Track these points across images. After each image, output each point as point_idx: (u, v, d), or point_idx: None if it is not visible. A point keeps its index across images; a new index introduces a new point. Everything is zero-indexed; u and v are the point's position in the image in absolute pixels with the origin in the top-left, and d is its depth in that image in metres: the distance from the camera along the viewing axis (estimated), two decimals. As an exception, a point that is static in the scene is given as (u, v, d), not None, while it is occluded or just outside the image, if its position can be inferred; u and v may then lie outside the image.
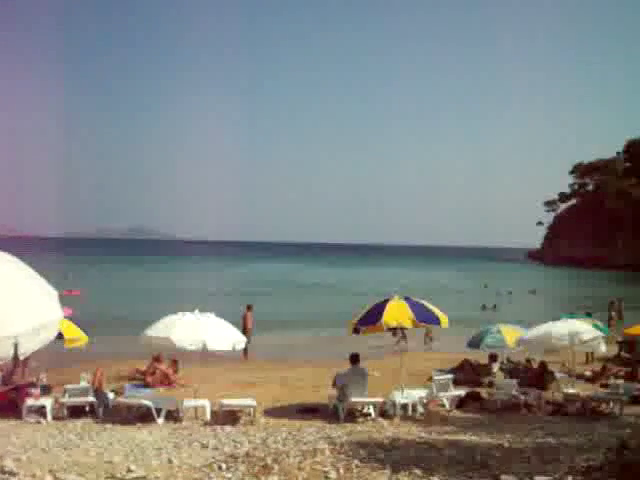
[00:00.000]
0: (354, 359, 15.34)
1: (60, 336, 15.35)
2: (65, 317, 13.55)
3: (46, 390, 15.81)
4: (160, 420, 13.79)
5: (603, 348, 23.54)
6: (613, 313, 35.22)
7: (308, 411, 15.26)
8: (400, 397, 15.03)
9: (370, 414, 14.75)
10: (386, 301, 15.20)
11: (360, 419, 14.46)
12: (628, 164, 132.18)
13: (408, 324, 14.91)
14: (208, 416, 14.27)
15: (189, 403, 14.58)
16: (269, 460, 9.69)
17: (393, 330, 26.11)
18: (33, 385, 15.86)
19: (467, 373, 20.02)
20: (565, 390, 17.06)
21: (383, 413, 14.82)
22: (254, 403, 14.40)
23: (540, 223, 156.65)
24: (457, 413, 15.56)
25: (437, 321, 15.24)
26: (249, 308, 25.51)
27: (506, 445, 11.17)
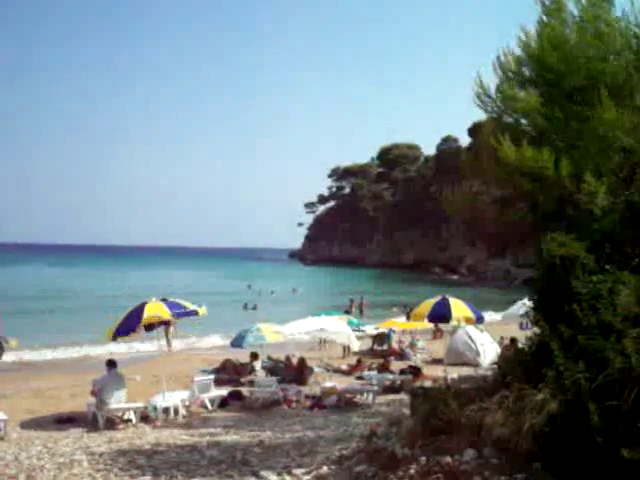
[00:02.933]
0: (111, 364, 15.07)
1: None
2: None
3: None
4: None
5: (357, 343, 25.18)
6: (353, 309, 37.81)
7: (65, 421, 14.66)
8: (161, 400, 14.95)
9: (131, 420, 14.53)
10: (144, 304, 15.14)
11: (121, 426, 14.18)
12: (381, 169, 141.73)
13: (167, 316, 15.08)
14: (-48, 435, 13.17)
15: None
16: (22, 477, 9.29)
17: (165, 332, 26.08)
18: None
19: (229, 373, 20.34)
20: (323, 384, 18.00)
21: (145, 418, 14.66)
22: (5, 417, 13.53)
23: (301, 224, 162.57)
24: (219, 413, 15.78)
25: (194, 313, 15.62)
26: None
27: (266, 441, 11.58)
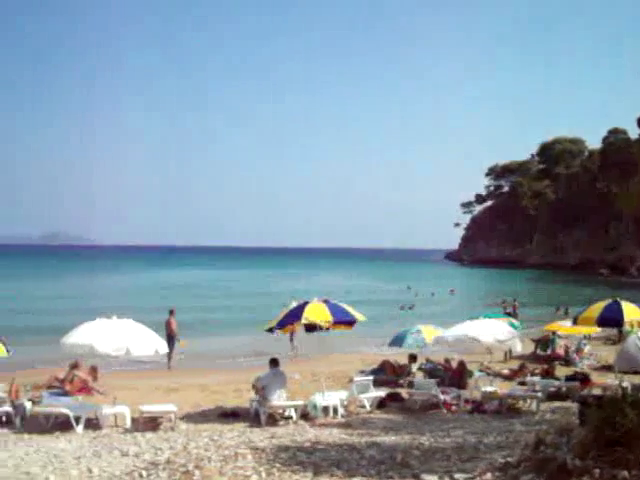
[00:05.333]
0: (274, 363, 15.44)
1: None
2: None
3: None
4: (79, 428, 13.48)
5: (519, 347, 24.33)
6: (507, 311, 36.32)
7: (229, 415, 15.18)
8: (321, 399, 15.11)
9: (291, 417, 14.81)
10: (306, 303, 15.48)
11: (281, 422, 14.48)
12: (542, 166, 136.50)
13: (325, 325, 15.24)
14: (128, 423, 14.04)
15: (108, 410, 14.31)
16: (190, 466, 9.63)
17: (290, 338, 26.23)
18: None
19: (387, 374, 20.27)
20: (483, 388, 17.48)
21: (304, 415, 14.90)
22: (174, 408, 14.25)
23: (457, 224, 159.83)
24: (377, 414, 15.72)
25: (353, 319, 15.70)
26: (171, 313, 25.20)
27: (426, 444, 11.36)
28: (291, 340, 26.59)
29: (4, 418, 14.33)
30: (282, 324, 15.72)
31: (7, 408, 14.28)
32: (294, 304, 18.89)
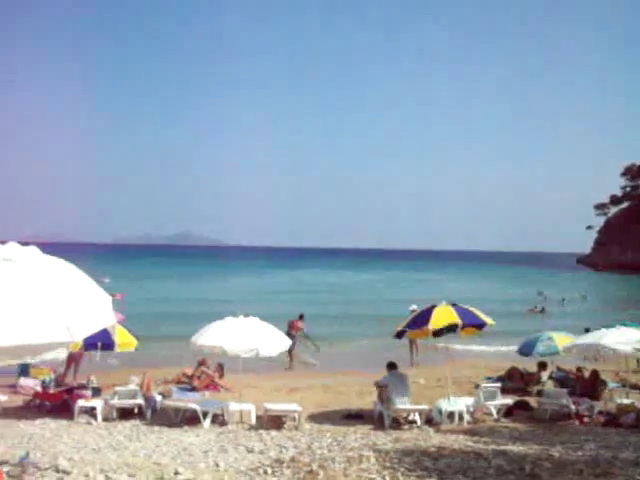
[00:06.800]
0: (391, 366, 15.33)
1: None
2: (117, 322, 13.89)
3: (96, 392, 16.11)
4: (206, 423, 13.87)
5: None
6: None
7: (352, 417, 15.18)
8: (446, 405, 14.84)
9: (416, 421, 14.61)
10: (433, 307, 15.22)
11: (406, 426, 14.32)
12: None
13: (456, 321, 14.96)
14: (253, 420, 14.32)
15: (234, 407, 14.64)
16: (315, 466, 9.67)
17: (410, 344, 25.69)
18: (84, 387, 16.24)
19: (515, 381, 19.68)
20: (619, 400, 16.64)
21: (429, 421, 14.66)
22: (299, 408, 14.38)
23: (590, 227, 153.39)
24: (505, 422, 15.23)
25: (482, 323, 15.35)
26: (301, 318, 25.65)
27: (556, 456, 10.90)
28: (413, 344, 26.21)
29: (136, 410, 15.00)
30: (409, 328, 15.59)
31: (139, 400, 14.93)
32: (414, 307, 18.69)
